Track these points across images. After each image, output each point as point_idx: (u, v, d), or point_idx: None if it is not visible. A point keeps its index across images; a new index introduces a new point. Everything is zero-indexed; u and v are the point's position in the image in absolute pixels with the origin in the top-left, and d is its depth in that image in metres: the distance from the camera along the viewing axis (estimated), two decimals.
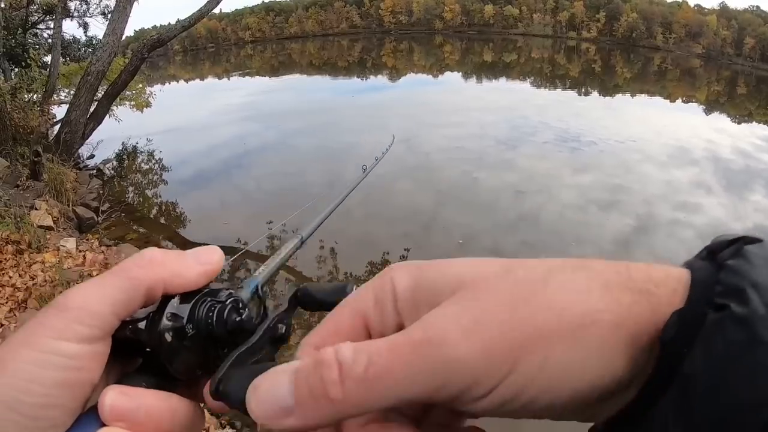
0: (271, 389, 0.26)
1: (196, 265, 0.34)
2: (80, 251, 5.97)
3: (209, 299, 0.34)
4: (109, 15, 10.35)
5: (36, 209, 6.58)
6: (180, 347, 0.32)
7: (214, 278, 0.36)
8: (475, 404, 0.24)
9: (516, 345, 0.23)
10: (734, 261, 0.23)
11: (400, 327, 0.28)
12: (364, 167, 2.74)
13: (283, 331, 0.35)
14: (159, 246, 5.72)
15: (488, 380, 0.23)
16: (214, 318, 0.33)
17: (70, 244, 6.00)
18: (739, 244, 0.25)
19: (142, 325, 0.32)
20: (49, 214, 6.59)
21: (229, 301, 0.35)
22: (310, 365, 0.25)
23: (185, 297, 0.33)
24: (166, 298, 0.33)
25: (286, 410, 0.25)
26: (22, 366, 0.29)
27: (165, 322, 0.32)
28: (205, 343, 0.33)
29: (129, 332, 0.32)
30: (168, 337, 0.32)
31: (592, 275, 0.25)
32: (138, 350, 0.33)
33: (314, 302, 0.35)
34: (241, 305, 0.35)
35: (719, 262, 0.24)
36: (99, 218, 7.69)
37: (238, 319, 0.34)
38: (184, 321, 0.33)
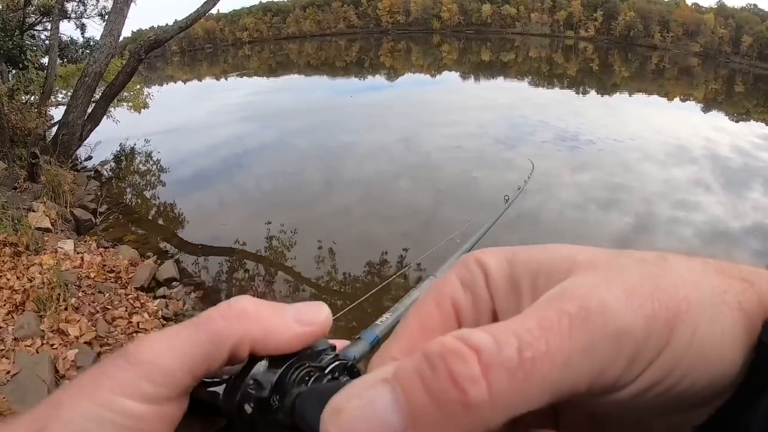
0: (362, 407, 0.19)
1: (296, 324, 0.28)
2: (78, 253, 5.96)
3: (306, 365, 0.28)
4: (107, 16, 10.33)
5: (34, 211, 6.57)
6: (261, 421, 0.27)
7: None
8: (627, 389, 0.21)
9: (671, 314, 0.20)
10: None
11: (493, 314, 0.24)
12: (506, 197, 2.58)
13: None
14: (156, 248, 5.69)
15: (647, 354, 0.20)
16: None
17: (68, 246, 5.98)
18: None
19: (220, 389, 0.28)
20: (47, 216, 6.57)
21: (330, 368, 0.28)
22: (421, 362, 0.18)
23: (276, 361, 0.28)
24: (254, 359, 0.28)
25: None
26: (77, 419, 0.25)
27: (246, 390, 0.27)
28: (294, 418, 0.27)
29: (206, 395, 0.28)
30: (248, 408, 0.27)
31: (704, 260, 0.23)
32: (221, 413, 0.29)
33: None
34: (346, 372, 0.28)
35: None
36: (97, 220, 7.68)
37: None
38: (269, 391, 0.27)
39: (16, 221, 5.89)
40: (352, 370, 0.28)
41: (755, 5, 60.72)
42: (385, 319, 0.66)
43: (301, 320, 0.28)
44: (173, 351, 0.27)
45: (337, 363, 0.28)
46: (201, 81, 38.66)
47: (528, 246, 0.24)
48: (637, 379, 0.20)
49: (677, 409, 0.23)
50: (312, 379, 0.27)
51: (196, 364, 0.27)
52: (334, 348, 0.30)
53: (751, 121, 20.13)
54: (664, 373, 0.21)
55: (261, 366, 0.28)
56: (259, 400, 0.27)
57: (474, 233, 1.79)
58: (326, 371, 0.27)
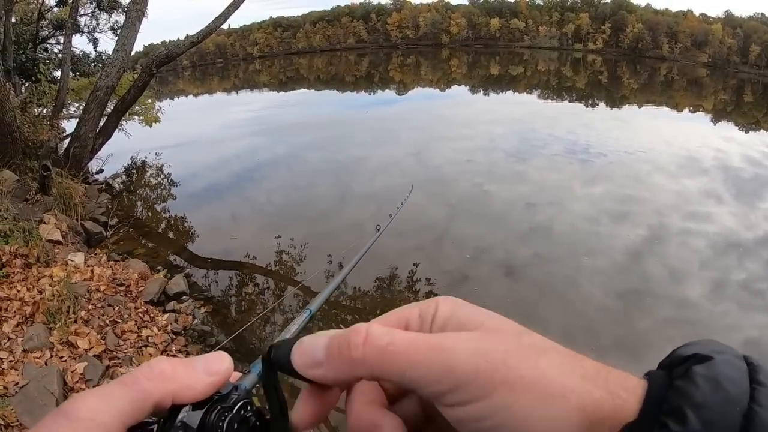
0: (311, 345, 0.34)
1: (205, 376, 0.35)
2: (88, 266, 5.98)
3: (219, 407, 0.35)
4: (119, 31, 10.46)
5: (45, 223, 6.60)
6: None
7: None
8: (452, 410, 0.30)
9: (498, 381, 0.29)
10: (681, 381, 0.27)
11: None
12: (378, 227, 2.60)
13: None
14: (167, 261, 5.69)
15: (469, 392, 0.29)
16: (224, 429, 0.34)
17: (78, 258, 6.01)
18: (689, 362, 0.28)
19: (153, 428, 0.33)
20: (58, 228, 6.60)
21: (237, 408, 0.36)
22: (345, 332, 0.33)
23: (196, 406, 0.34)
24: (177, 407, 0.34)
25: (318, 362, 0.33)
26: None
27: None
28: None
29: None
30: None
31: (578, 365, 0.30)
32: None
33: (291, 369, 0.36)
34: (250, 410, 0.36)
35: (672, 379, 0.28)
36: (107, 233, 7.72)
37: None
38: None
39: (27, 233, 5.93)
40: (249, 417, 0.36)
41: (763, 14, 60.56)
42: None
43: (209, 371, 0.35)
44: (109, 406, 0.31)
45: (240, 402, 0.36)
46: (212, 95, 39.06)
47: (471, 305, 0.35)
48: (464, 407, 0.30)
49: None
50: (226, 420, 0.34)
51: (128, 417, 0.32)
52: (236, 388, 0.37)
53: (761, 130, 20.04)
54: (479, 415, 0.29)
55: (185, 411, 0.34)
56: None
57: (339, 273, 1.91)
58: (234, 410, 0.35)
